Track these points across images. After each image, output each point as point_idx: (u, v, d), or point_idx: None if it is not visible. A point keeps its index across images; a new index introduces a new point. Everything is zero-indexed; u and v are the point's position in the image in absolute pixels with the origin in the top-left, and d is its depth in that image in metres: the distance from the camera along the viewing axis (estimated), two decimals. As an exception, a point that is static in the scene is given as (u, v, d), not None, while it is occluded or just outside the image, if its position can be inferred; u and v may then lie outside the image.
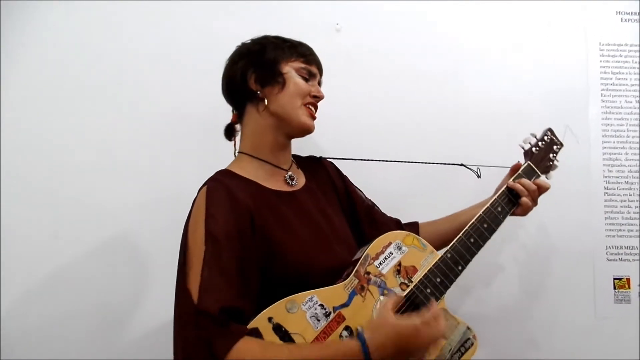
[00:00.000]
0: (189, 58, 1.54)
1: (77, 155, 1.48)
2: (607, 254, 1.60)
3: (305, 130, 1.15)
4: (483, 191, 1.33)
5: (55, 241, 1.45)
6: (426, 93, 1.60)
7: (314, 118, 1.16)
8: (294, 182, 1.16)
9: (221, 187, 1.04)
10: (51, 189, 1.47)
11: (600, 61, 1.67)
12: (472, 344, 1.08)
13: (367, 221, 1.27)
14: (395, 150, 1.49)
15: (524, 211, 1.24)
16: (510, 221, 1.23)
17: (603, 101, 1.65)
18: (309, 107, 1.14)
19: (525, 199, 1.21)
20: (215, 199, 1.01)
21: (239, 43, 1.19)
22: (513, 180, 1.24)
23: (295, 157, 1.25)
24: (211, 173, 1.10)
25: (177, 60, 1.54)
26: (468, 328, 1.09)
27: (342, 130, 1.54)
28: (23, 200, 1.46)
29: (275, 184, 1.13)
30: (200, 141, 1.50)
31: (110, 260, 1.47)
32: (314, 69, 1.16)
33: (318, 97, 1.16)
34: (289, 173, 1.17)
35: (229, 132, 1.21)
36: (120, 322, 1.46)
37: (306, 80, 1.14)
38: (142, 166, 1.50)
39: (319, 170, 1.27)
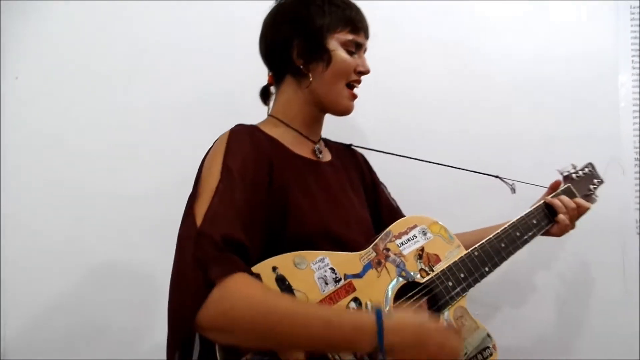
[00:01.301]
0: (206, 43, 1.48)
1: (95, 143, 1.43)
2: (637, 227, 1.50)
3: (345, 112, 1.09)
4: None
5: (76, 230, 1.40)
6: (444, 60, 1.54)
7: (355, 97, 1.09)
8: (320, 155, 1.10)
9: (246, 132, 0.99)
10: (70, 178, 1.42)
11: (631, 25, 1.57)
12: (491, 354, 0.98)
13: (388, 220, 1.16)
14: (415, 136, 1.46)
15: (560, 230, 1.18)
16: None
17: (634, 67, 1.56)
18: (351, 88, 1.07)
19: (562, 216, 1.16)
20: (238, 139, 0.96)
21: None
22: (552, 196, 1.19)
23: (324, 139, 1.19)
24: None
25: (193, 46, 1.48)
26: (488, 335, 0.99)
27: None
28: (42, 189, 1.40)
29: (301, 151, 1.07)
30: (218, 126, 1.40)
31: (129, 248, 1.41)
32: (361, 39, 1.07)
33: (363, 73, 1.08)
34: (317, 146, 1.11)
35: (265, 95, 1.14)
36: (142, 313, 1.39)
37: (352, 53, 1.06)
38: (160, 153, 1.45)
39: (347, 155, 1.22)
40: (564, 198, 1.18)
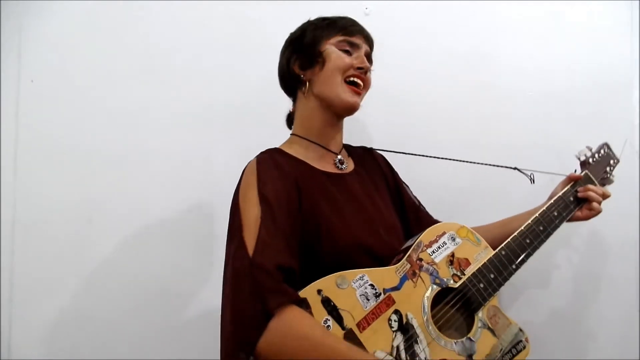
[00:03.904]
0: (223, 47, 1.51)
1: (110, 147, 1.45)
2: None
3: (349, 108, 1.12)
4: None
5: (89, 234, 1.43)
6: (461, 74, 1.56)
7: (357, 94, 1.12)
8: (343, 166, 1.16)
9: (270, 159, 1.07)
10: (84, 181, 1.44)
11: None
12: (524, 347, 1.05)
13: (414, 219, 1.25)
14: (434, 140, 1.47)
15: (589, 217, 1.23)
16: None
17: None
18: (350, 84, 1.11)
19: (596, 205, 1.22)
20: (265, 168, 1.03)
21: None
22: (574, 187, 1.24)
23: (346, 145, 1.25)
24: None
25: (211, 50, 1.50)
26: (520, 330, 1.06)
27: (370, 118, 1.48)
28: (57, 192, 1.43)
29: (325, 166, 1.13)
30: (229, 131, 1.49)
31: (141, 249, 1.45)
32: (357, 40, 1.13)
33: (362, 68, 1.11)
34: (339, 157, 1.16)
35: (289, 121, 1.22)
36: (150, 312, 1.43)
37: (348, 52, 1.12)
38: (176, 157, 1.47)
39: (369, 159, 1.27)
40: (594, 187, 1.22)
